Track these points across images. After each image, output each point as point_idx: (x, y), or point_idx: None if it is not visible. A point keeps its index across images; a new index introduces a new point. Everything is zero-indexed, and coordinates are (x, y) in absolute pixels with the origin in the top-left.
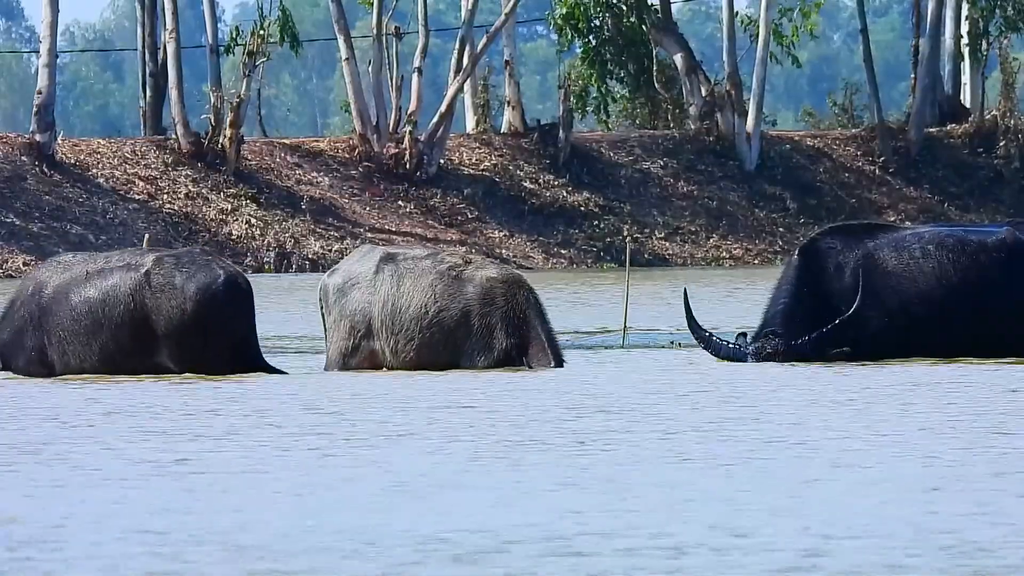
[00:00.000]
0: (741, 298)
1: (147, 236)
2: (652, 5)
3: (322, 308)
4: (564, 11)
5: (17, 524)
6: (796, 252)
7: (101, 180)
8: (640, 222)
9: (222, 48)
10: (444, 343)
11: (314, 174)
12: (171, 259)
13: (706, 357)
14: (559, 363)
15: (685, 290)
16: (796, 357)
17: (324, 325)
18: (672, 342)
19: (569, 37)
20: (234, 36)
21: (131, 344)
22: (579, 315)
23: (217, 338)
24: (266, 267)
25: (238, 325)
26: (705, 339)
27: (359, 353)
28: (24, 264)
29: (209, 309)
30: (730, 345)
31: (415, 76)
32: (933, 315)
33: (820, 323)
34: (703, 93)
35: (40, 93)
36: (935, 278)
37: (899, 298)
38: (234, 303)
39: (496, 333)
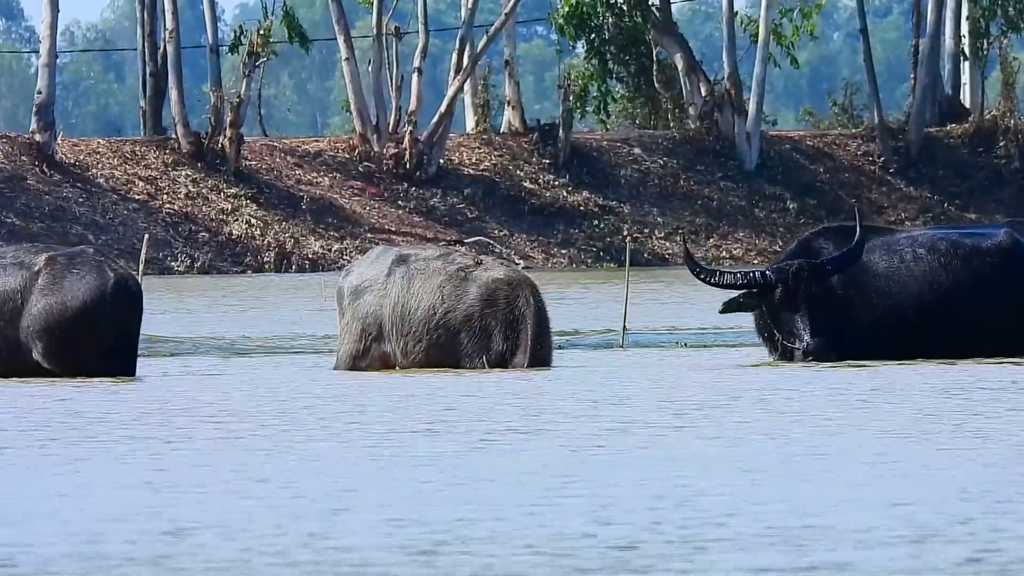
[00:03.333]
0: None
1: (147, 236)
2: (652, 5)
3: (337, 310)
4: (566, 10)
5: None
6: (789, 250)
7: (101, 180)
8: (640, 222)
9: (224, 48)
10: (451, 344)
11: (314, 174)
12: (63, 259)
13: (706, 356)
14: (541, 365)
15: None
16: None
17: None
18: (677, 342)
19: (574, 35)
20: (238, 35)
21: (20, 343)
22: (579, 315)
23: (104, 340)
24: (266, 267)
25: (127, 328)
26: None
27: (369, 355)
28: None
29: (98, 311)
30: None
31: (415, 76)
32: (923, 319)
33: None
34: (703, 93)
35: (40, 93)
36: (926, 282)
37: (888, 301)
38: (123, 306)
39: (495, 335)
